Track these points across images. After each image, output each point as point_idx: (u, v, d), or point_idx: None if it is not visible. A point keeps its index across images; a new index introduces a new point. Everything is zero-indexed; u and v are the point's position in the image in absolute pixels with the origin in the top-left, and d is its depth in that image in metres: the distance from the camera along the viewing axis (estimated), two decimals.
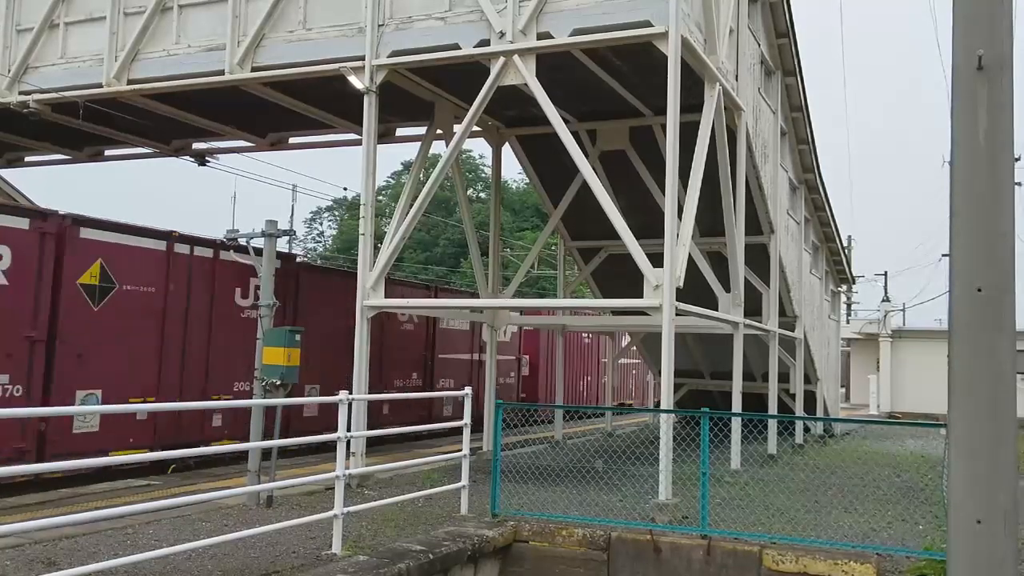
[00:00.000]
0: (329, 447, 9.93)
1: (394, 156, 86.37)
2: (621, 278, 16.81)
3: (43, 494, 10.73)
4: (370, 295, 12.18)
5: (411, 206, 12.65)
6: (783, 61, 17.81)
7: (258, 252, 10.96)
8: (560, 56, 11.68)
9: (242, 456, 11.88)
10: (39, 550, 7.74)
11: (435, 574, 8.07)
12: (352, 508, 8.47)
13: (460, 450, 10.20)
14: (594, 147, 16.05)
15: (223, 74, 12.86)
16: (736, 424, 14.49)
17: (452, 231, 51.25)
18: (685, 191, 11.78)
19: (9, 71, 14.26)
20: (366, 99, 12.07)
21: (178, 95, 14.03)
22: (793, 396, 19.85)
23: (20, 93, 14.20)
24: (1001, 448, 4.38)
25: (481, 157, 54.60)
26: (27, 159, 19.90)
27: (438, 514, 10.03)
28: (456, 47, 11.68)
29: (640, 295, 10.81)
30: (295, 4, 12.56)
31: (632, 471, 12.50)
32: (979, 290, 4.41)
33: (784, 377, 19.19)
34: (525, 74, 11.29)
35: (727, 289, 14.42)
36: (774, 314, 17.30)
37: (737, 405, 14.55)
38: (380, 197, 44.91)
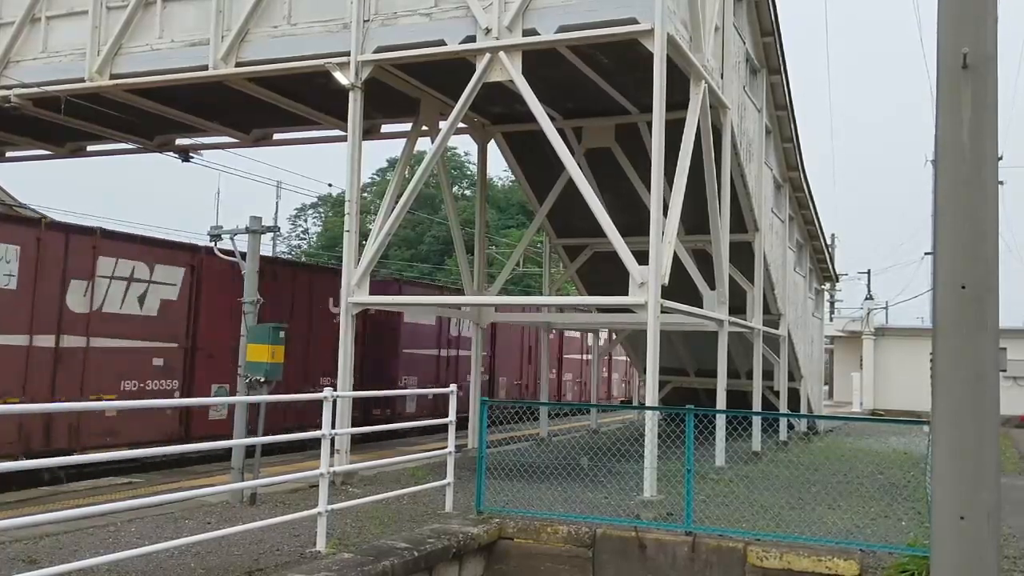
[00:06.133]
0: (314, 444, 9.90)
1: (379, 153, 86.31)
2: (607, 275, 16.83)
3: (24, 492, 10.64)
4: (355, 292, 12.14)
5: (396, 203, 12.61)
6: (768, 59, 17.86)
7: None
8: (546, 53, 11.66)
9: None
10: (20, 548, 7.67)
11: (420, 572, 8.05)
12: (336, 505, 8.43)
13: (445, 447, 10.18)
14: (580, 145, 16.06)
15: (207, 69, 12.77)
16: (720, 421, 14.53)
17: (437, 228, 51.16)
18: (670, 189, 11.79)
19: None
20: (351, 95, 12.02)
21: (161, 90, 13.92)
22: (777, 393, 19.93)
23: (1, 87, 14.06)
24: (984, 445, 4.40)
25: (467, 154, 54.58)
26: (8, 154, 19.71)
27: (423, 511, 10.01)
28: (442, 43, 11.65)
29: (626, 292, 10.82)
30: None
31: (617, 468, 12.51)
32: (963, 288, 4.42)
33: (768, 375, 19.26)
34: (511, 71, 11.27)
35: (712, 287, 14.46)
36: (758, 312, 17.35)
37: (722, 402, 14.59)
38: (365, 194, 44.73)
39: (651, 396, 10.83)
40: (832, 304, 46.32)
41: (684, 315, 12.68)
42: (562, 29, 11.10)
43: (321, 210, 63.09)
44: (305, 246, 63.28)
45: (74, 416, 12.54)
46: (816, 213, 22.79)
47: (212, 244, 11.56)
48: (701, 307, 13.96)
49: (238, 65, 12.66)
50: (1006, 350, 29.96)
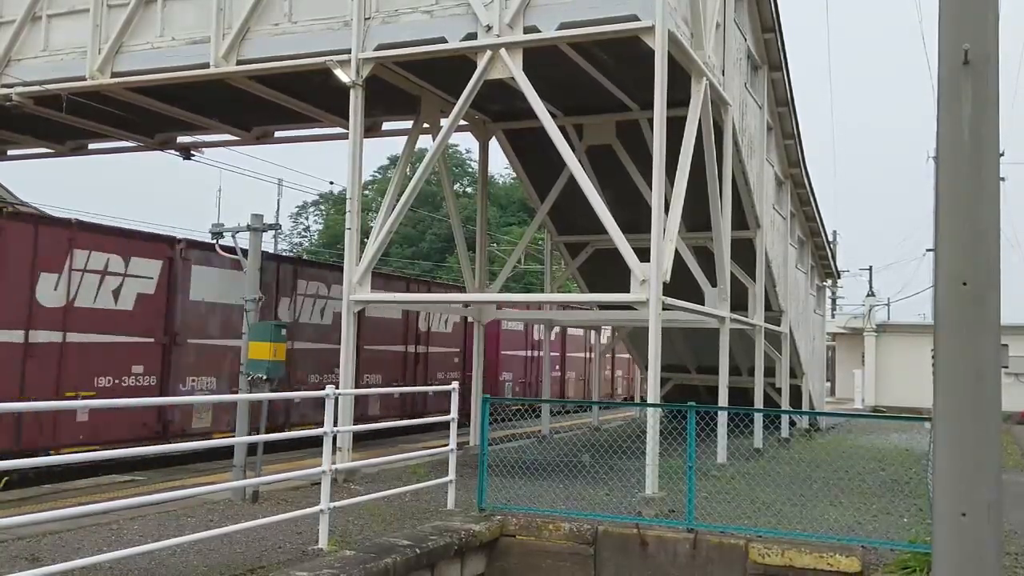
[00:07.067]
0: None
1: (380, 150, 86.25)
2: (608, 273, 16.82)
3: (24, 490, 10.66)
4: (356, 290, 12.14)
5: (397, 201, 12.61)
6: (769, 56, 17.85)
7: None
8: (547, 50, 11.65)
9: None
10: (23, 546, 7.69)
11: (421, 569, 8.06)
12: (338, 503, 8.44)
13: (447, 445, 10.19)
14: (580, 142, 16.05)
15: (208, 67, 12.77)
16: (722, 418, 14.54)
17: (439, 226, 51.12)
18: (672, 186, 11.79)
19: None
20: (352, 93, 12.02)
21: (162, 88, 13.92)
22: (779, 390, 19.93)
23: (2, 86, 14.06)
24: (985, 442, 4.40)
25: (468, 152, 54.53)
26: (9, 153, 19.73)
27: (425, 509, 10.02)
28: (443, 40, 11.64)
29: (627, 290, 10.82)
30: None
31: (619, 465, 12.52)
32: (964, 284, 4.42)
33: (770, 371, 19.26)
34: (512, 68, 11.27)
35: (713, 284, 14.45)
36: (760, 309, 17.35)
37: (723, 399, 14.58)
38: (366, 192, 44.69)
39: (653, 393, 10.83)
40: (834, 301, 46.39)
41: (686, 312, 12.67)
42: (563, 26, 11.08)
43: (322, 208, 63.04)
44: (307, 244, 63.26)
45: None
46: (817, 210, 22.79)
47: (215, 242, 11.55)
48: (703, 304, 13.95)
49: (239, 63, 12.65)
50: (1007, 347, 29.98)
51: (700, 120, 12.29)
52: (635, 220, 13.80)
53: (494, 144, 17.14)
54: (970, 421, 4.40)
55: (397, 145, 25.00)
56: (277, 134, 17.97)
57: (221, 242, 11.42)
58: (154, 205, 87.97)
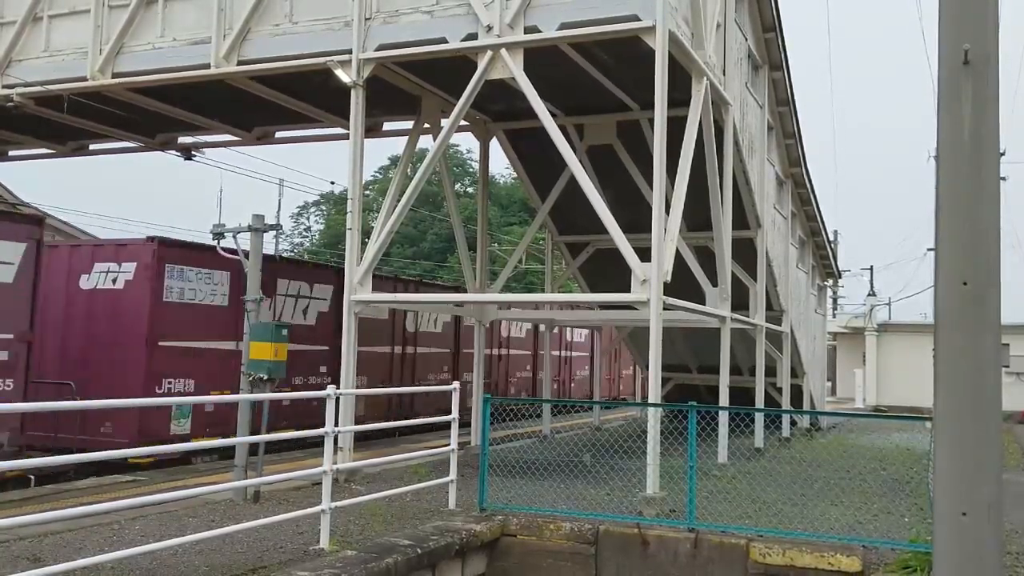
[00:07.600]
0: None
1: (381, 151, 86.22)
2: (609, 273, 16.83)
3: (27, 490, 10.67)
4: (357, 290, 12.15)
5: (398, 201, 12.62)
6: (770, 55, 17.85)
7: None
8: (547, 50, 11.66)
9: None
10: (25, 546, 7.70)
11: (423, 568, 8.06)
12: (339, 503, 8.45)
13: (448, 445, 10.20)
14: (581, 142, 16.05)
15: (209, 68, 12.78)
16: (723, 418, 14.54)
17: (440, 226, 51.12)
18: (672, 186, 11.79)
19: None
20: (353, 93, 12.03)
21: (163, 89, 13.94)
22: (780, 390, 19.93)
23: (3, 86, 14.08)
24: (985, 441, 4.40)
25: (468, 152, 54.51)
26: (10, 153, 19.74)
27: (426, 509, 10.03)
28: (443, 41, 11.65)
29: (628, 290, 10.83)
30: None
31: (620, 465, 12.52)
32: (964, 284, 4.42)
33: (771, 371, 19.26)
34: (512, 68, 11.27)
35: (714, 283, 14.46)
36: (761, 308, 17.35)
37: (724, 399, 14.59)
38: (367, 192, 44.70)
39: (654, 393, 10.84)
40: (835, 300, 46.39)
41: (686, 312, 12.68)
42: (564, 26, 11.09)
43: (323, 208, 63.02)
44: (308, 244, 63.26)
45: None
46: (818, 209, 22.79)
47: (216, 242, 11.54)
48: (703, 304, 13.96)
49: (240, 63, 12.66)
50: (1008, 346, 29.99)
51: (701, 120, 12.29)
52: (636, 220, 13.79)
53: (495, 144, 17.15)
54: (970, 421, 4.39)
55: (398, 145, 25.02)
56: (278, 134, 17.98)
57: (222, 243, 11.42)
58: (154, 205, 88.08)
